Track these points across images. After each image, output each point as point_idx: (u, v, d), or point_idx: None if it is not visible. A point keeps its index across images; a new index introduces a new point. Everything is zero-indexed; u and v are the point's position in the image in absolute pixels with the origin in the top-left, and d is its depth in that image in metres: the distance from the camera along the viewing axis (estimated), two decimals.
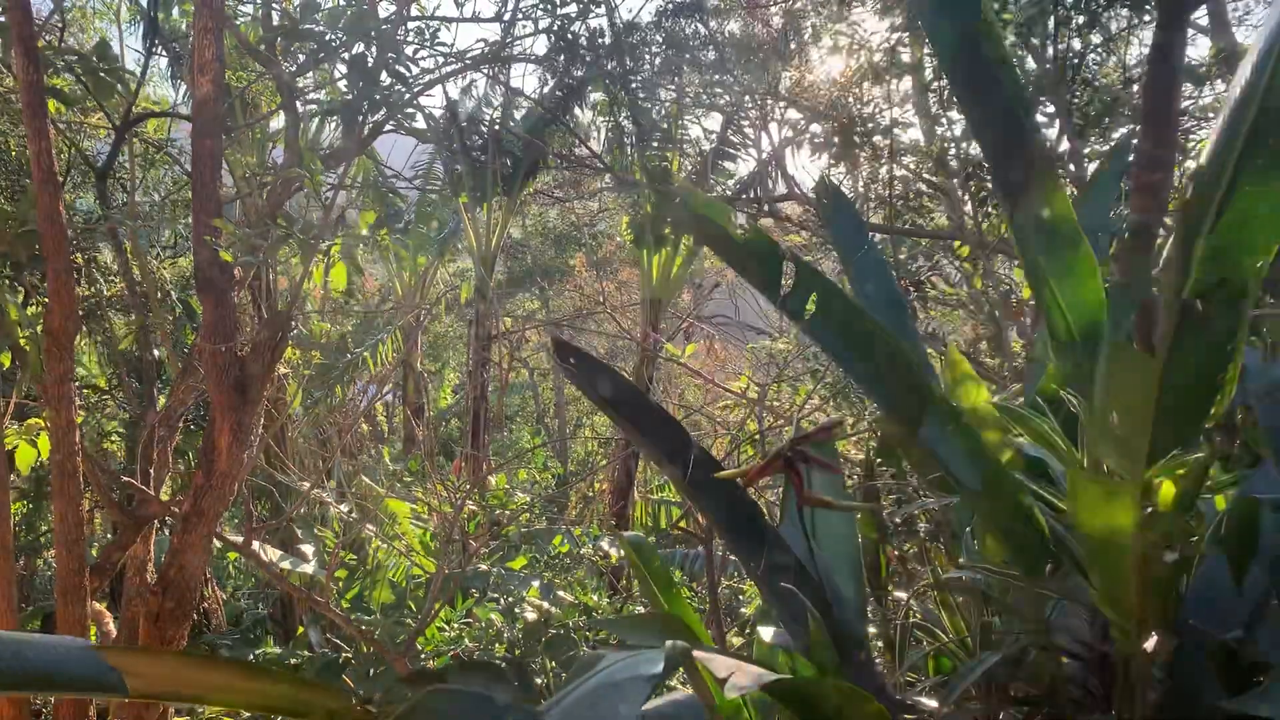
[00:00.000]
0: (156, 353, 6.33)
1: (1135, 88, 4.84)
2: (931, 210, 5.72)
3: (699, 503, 2.09)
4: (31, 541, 8.13)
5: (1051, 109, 4.68)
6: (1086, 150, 4.75)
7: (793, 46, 6.56)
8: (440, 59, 5.40)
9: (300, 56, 5.12)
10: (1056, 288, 1.41)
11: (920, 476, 2.11)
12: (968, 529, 1.92)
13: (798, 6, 6.86)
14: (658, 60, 7.04)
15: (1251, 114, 1.27)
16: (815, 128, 5.95)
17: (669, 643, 1.14)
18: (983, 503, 1.67)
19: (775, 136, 7.20)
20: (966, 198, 5.06)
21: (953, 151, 5.13)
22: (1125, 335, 1.49)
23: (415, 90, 5.09)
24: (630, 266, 15.20)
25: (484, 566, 6.15)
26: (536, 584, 6.03)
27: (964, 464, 1.58)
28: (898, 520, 2.45)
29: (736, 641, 4.97)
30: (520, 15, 5.93)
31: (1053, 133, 4.88)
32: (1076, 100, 4.74)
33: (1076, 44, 4.75)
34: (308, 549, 7.39)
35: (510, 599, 5.57)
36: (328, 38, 4.70)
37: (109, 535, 7.55)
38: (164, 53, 8.02)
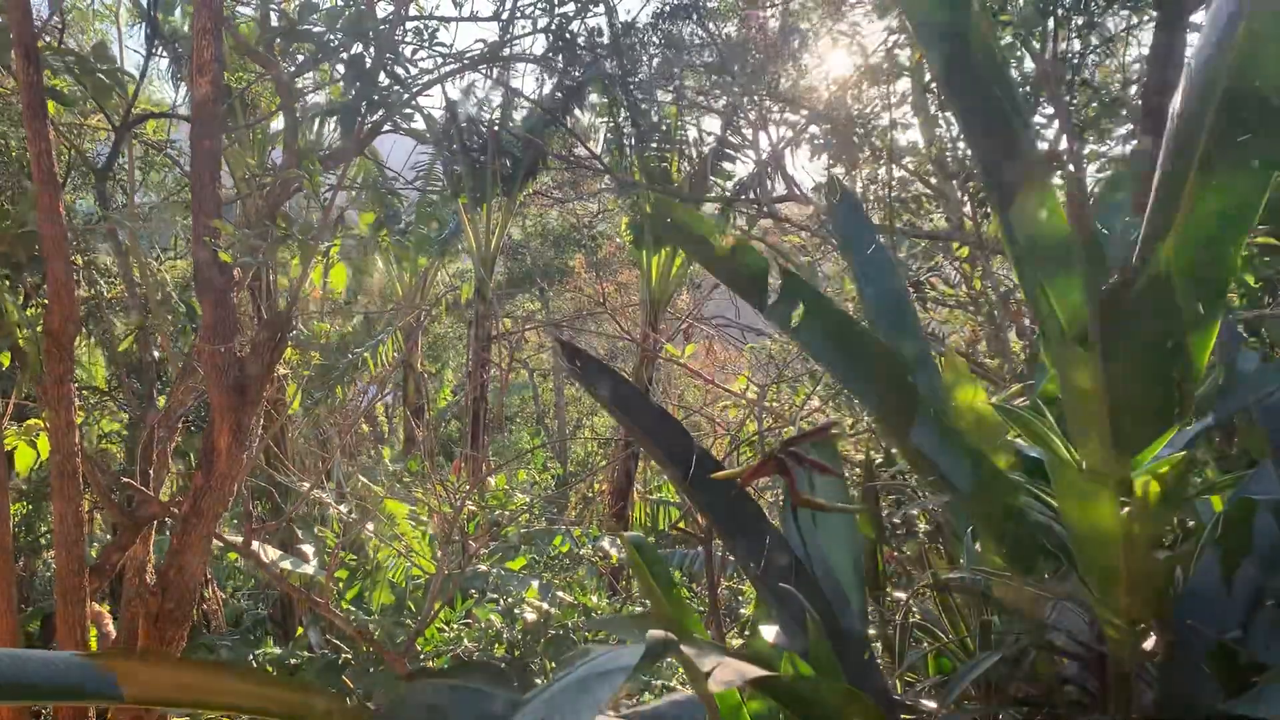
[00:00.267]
0: (156, 354, 6.34)
1: (1135, 88, 4.84)
2: (930, 211, 5.72)
3: (698, 503, 2.09)
4: (31, 542, 8.13)
5: (1051, 110, 4.68)
6: (1086, 151, 4.75)
7: (794, 46, 6.56)
8: (439, 59, 5.41)
9: (299, 57, 5.13)
10: (1047, 290, 1.42)
11: (918, 477, 2.11)
12: (969, 530, 1.92)
13: (796, 7, 6.86)
14: (656, 61, 7.04)
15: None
16: (814, 129, 5.94)
17: (650, 632, 1.14)
18: (975, 504, 1.67)
19: (774, 137, 7.20)
20: (965, 198, 5.05)
21: (950, 152, 5.12)
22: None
23: (414, 91, 5.09)
24: (630, 267, 15.20)
25: (483, 567, 6.16)
26: (536, 584, 6.04)
27: (955, 466, 1.59)
28: (897, 521, 2.45)
29: (736, 642, 4.97)
30: (519, 14, 5.92)
31: (1052, 133, 4.88)
32: (1076, 101, 4.74)
33: (1076, 44, 4.75)
34: (308, 549, 7.40)
35: (510, 600, 5.57)
36: (326, 38, 4.70)
37: (109, 536, 7.54)
38: (164, 54, 8.04)
